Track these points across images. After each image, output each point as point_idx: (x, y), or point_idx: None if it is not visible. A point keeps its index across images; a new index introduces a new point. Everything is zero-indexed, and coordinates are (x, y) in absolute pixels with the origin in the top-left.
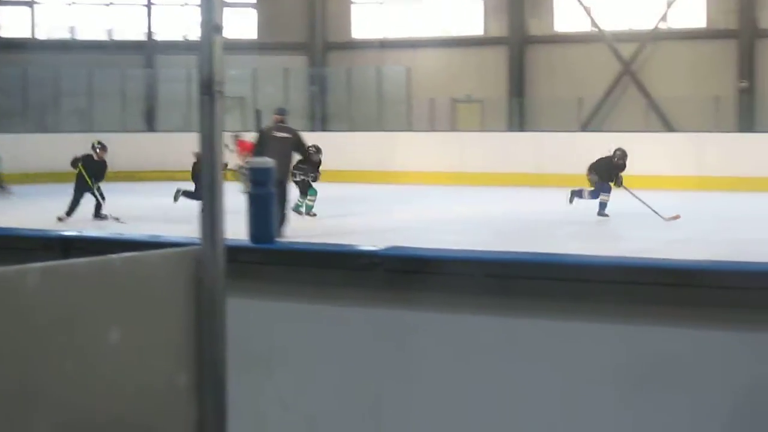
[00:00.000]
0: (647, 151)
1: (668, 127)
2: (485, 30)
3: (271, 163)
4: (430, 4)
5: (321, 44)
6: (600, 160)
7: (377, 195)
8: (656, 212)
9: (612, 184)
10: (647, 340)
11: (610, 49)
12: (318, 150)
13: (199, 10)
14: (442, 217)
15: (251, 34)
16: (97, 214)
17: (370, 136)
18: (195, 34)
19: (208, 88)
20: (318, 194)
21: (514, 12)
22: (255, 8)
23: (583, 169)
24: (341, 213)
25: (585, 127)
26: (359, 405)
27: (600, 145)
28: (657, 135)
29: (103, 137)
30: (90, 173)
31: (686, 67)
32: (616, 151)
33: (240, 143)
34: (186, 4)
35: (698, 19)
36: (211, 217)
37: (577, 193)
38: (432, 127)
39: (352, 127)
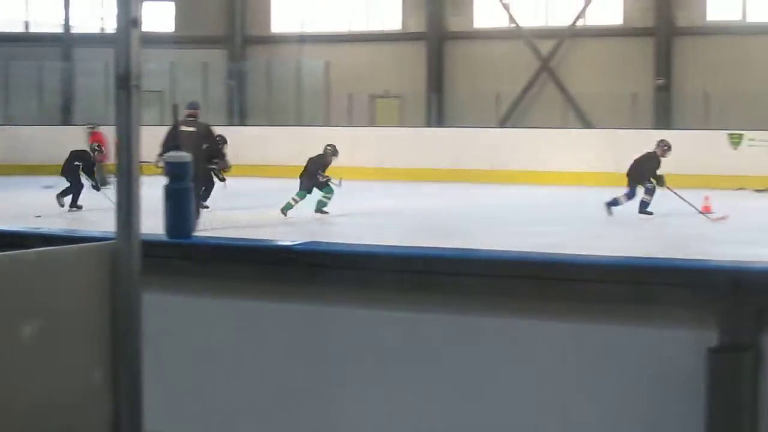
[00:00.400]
0: (565, 148)
1: (586, 123)
2: (404, 25)
3: (188, 157)
4: None
5: (240, 38)
6: (640, 159)
7: (296, 189)
8: (693, 207)
9: (655, 183)
10: (558, 335)
11: (529, 46)
12: (334, 151)
13: (116, 3)
14: (360, 213)
15: (169, 28)
16: (74, 204)
17: (288, 130)
18: (112, 27)
19: (125, 82)
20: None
21: (432, 7)
22: (173, 1)
23: (501, 164)
24: (260, 207)
25: (503, 124)
26: (276, 400)
27: (518, 141)
28: (575, 131)
29: (20, 130)
30: (85, 169)
31: (604, 64)
32: (659, 142)
33: (93, 135)
34: None
35: (616, 17)
36: (127, 211)
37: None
38: (350, 122)
39: (271, 122)
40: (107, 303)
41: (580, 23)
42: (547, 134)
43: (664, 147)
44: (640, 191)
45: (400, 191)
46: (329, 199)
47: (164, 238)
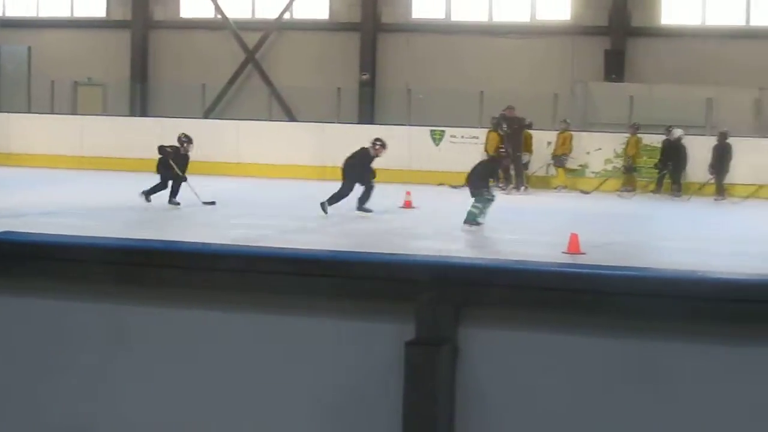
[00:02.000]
0: (270, 140)
1: (291, 116)
2: (108, 13)
3: None
4: None
5: None
6: None
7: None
8: None
9: None
10: (257, 327)
11: (235, 37)
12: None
13: None
14: (64, 202)
15: None
16: (171, 200)
17: None
18: None
19: None
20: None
21: None
22: None
23: (205, 156)
24: None
25: (208, 114)
26: None
27: (223, 132)
28: (279, 124)
29: None
30: (178, 165)
31: (310, 57)
32: None
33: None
34: None
35: (322, 11)
36: None
37: None
38: (52, 110)
39: None
40: None
41: (286, 16)
42: (252, 126)
43: None
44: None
45: (104, 180)
46: (479, 210)
47: None
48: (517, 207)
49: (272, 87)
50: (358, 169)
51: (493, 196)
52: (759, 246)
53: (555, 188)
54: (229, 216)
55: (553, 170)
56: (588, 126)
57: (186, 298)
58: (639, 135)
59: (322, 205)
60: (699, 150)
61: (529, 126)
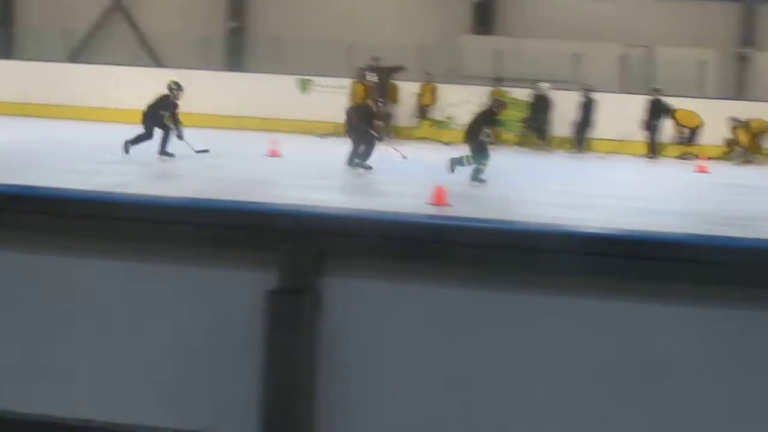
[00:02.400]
0: (135, 86)
1: (157, 62)
2: None
3: None
4: None
5: None
6: None
7: None
8: None
9: None
10: (120, 275)
11: None
12: (501, 104)
13: None
14: None
15: None
16: (163, 150)
17: None
18: None
19: None
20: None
21: None
22: None
23: (69, 99)
24: None
25: (73, 58)
26: None
27: (88, 77)
28: (145, 70)
29: None
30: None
31: (178, 3)
32: None
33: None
34: None
35: None
36: None
37: None
38: None
39: None
40: None
41: None
42: (117, 71)
43: None
44: None
45: None
46: (485, 165)
47: None
48: (382, 157)
49: (139, 32)
50: (361, 125)
51: (487, 151)
52: (621, 201)
53: (418, 139)
54: (91, 162)
55: (417, 121)
56: (456, 79)
57: (43, 243)
58: (502, 88)
59: (359, 165)
60: (565, 105)
61: (402, 70)
